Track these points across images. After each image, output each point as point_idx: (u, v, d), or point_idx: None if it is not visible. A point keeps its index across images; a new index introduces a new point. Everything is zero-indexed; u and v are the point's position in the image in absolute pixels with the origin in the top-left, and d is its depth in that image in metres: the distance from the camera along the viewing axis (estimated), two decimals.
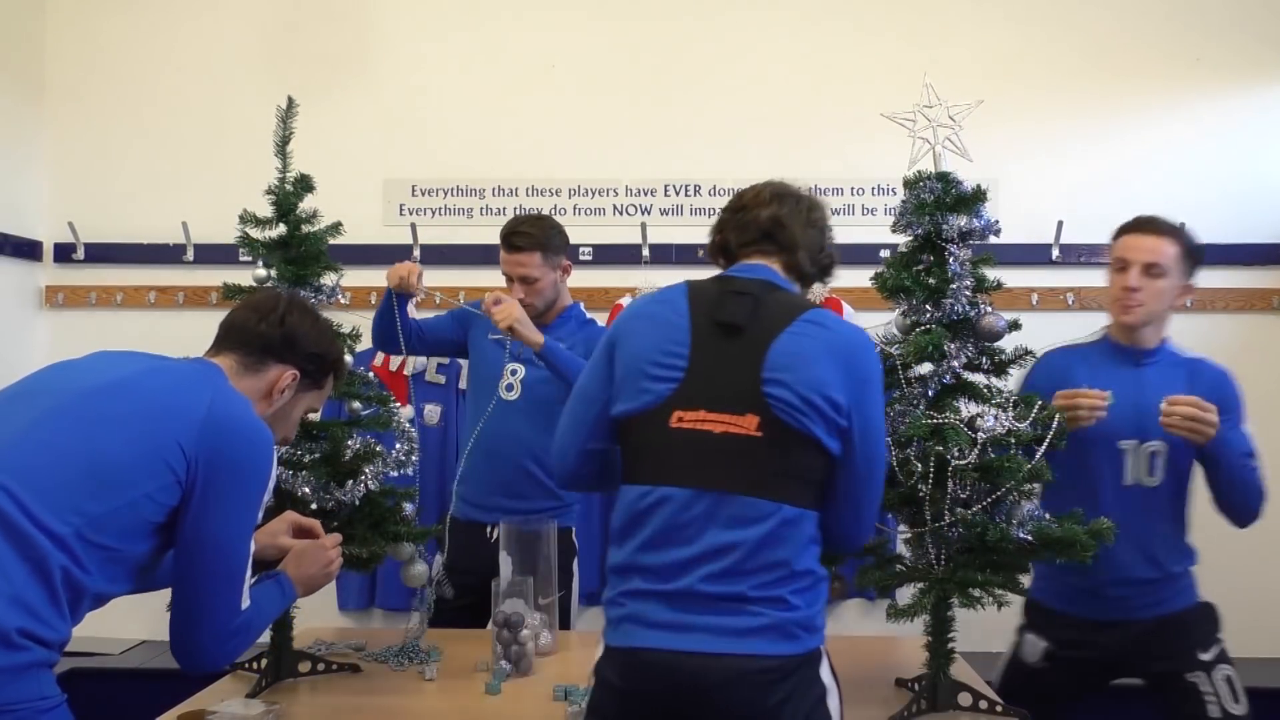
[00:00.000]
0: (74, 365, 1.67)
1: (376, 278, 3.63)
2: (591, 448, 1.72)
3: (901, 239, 2.11)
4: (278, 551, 1.88)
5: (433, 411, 3.61)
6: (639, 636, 1.54)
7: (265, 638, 2.16)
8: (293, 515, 1.94)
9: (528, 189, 3.75)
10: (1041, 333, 2.21)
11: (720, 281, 1.71)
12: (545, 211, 3.68)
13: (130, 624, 3.50)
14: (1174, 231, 2.30)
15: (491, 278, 3.68)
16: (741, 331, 1.61)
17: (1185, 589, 2.32)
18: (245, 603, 1.62)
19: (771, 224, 1.74)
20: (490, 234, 3.70)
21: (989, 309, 2.01)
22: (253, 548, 1.62)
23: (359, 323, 2.31)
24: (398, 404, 2.37)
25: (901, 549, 2.11)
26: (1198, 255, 2.32)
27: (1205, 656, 2.24)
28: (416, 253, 3.68)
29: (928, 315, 2.00)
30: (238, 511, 1.58)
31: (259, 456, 1.61)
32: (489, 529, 2.71)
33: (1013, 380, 2.09)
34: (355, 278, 3.27)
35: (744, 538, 1.52)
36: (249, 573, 1.62)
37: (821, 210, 1.81)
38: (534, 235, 2.72)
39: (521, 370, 2.74)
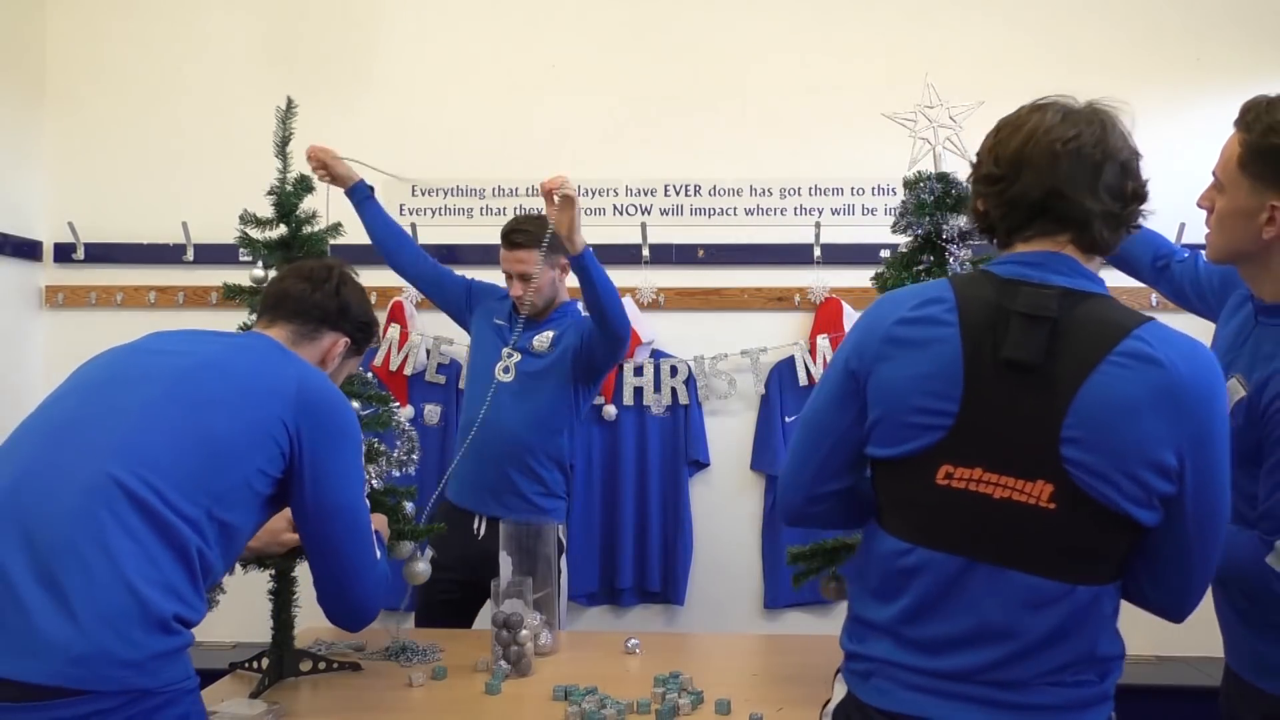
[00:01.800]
0: (156, 347, 1.68)
1: (377, 278, 3.63)
2: (822, 490, 1.44)
3: (901, 239, 2.11)
4: (280, 548, 1.93)
5: (433, 411, 3.61)
6: (899, 700, 1.33)
7: (266, 637, 2.17)
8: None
9: (528, 189, 3.75)
10: None
11: (1002, 289, 1.32)
12: (545, 211, 3.69)
13: None
14: (1240, 120, 1.60)
15: (492, 277, 3.68)
16: (1035, 369, 1.26)
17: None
18: (378, 553, 1.73)
19: (1045, 198, 1.33)
20: (490, 234, 3.71)
21: None
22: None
23: None
24: (397, 404, 2.38)
25: None
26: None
27: None
28: None
29: None
30: (350, 473, 1.68)
31: (351, 419, 1.71)
32: (476, 521, 2.73)
33: None
34: None
35: (1028, 624, 1.28)
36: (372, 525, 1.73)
37: (1112, 138, 1.39)
38: (533, 233, 2.77)
39: (518, 355, 2.81)
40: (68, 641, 1.35)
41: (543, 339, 2.83)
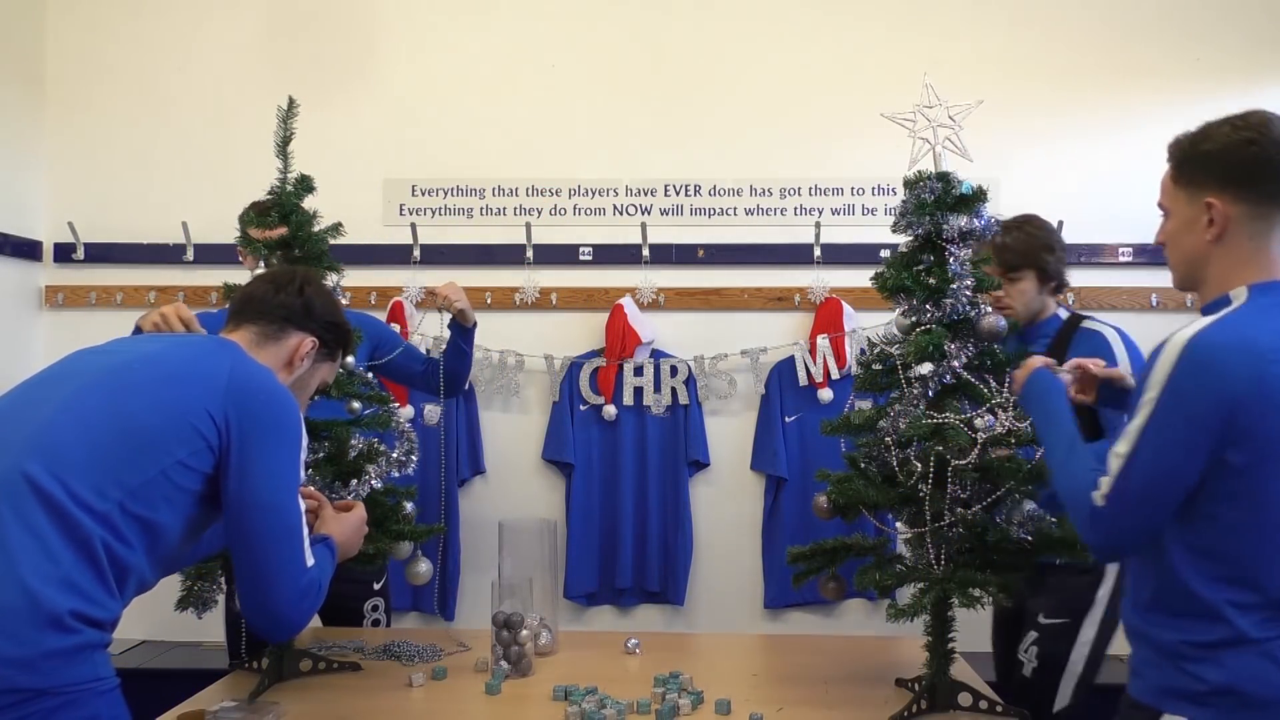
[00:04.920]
0: (96, 349, 1.69)
1: (377, 278, 3.66)
2: None
3: (901, 239, 2.11)
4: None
5: (432, 412, 3.60)
6: None
7: None
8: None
9: (528, 189, 3.75)
10: None
11: None
12: (545, 212, 3.71)
13: (130, 624, 3.49)
14: (1168, 154, 1.63)
15: (491, 278, 3.69)
16: None
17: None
18: (310, 560, 1.62)
19: None
20: (490, 234, 3.73)
21: (989, 309, 2.02)
22: (303, 506, 1.63)
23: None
24: (397, 404, 2.38)
25: (901, 549, 2.11)
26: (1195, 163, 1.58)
27: None
28: (416, 253, 3.68)
29: (928, 315, 2.00)
30: (280, 469, 1.59)
31: (288, 413, 1.62)
32: None
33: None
34: (355, 278, 3.27)
35: None
36: (306, 531, 1.63)
37: None
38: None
39: None
40: None
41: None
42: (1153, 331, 2.20)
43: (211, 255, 3.67)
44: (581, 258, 3.68)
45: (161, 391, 1.55)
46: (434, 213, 3.76)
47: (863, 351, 3.11)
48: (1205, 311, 1.55)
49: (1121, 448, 1.45)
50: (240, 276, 2.33)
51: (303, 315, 1.77)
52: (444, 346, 3.10)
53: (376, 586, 2.74)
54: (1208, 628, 1.41)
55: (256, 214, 2.29)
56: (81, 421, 1.50)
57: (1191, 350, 1.41)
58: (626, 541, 3.61)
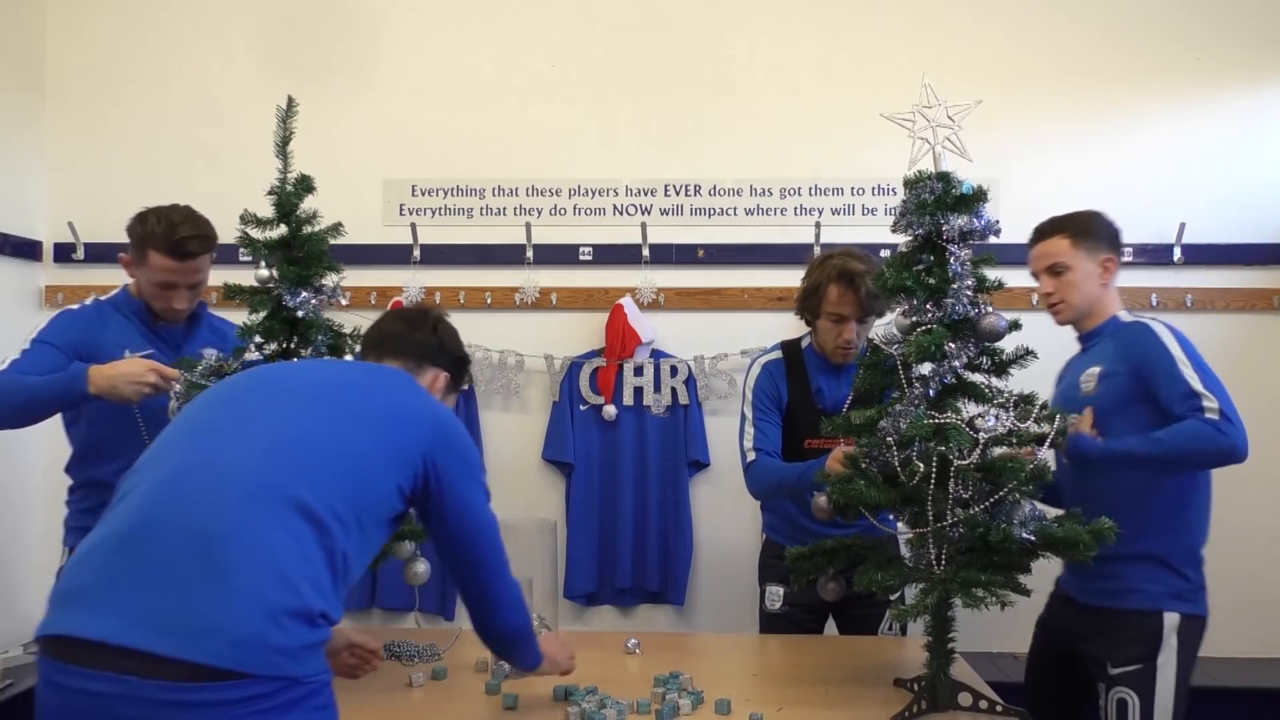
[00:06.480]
0: (282, 368, 1.87)
1: (377, 278, 3.66)
2: None
3: (902, 239, 2.11)
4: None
5: None
6: None
7: None
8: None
9: (528, 189, 3.75)
10: (1041, 333, 2.21)
11: None
12: (545, 212, 3.71)
13: None
14: (1054, 229, 2.41)
15: (491, 278, 3.69)
16: None
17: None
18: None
19: None
20: (490, 234, 3.73)
21: (989, 309, 2.02)
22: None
23: (359, 323, 2.31)
24: None
25: (902, 549, 2.11)
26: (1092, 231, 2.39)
27: (1114, 670, 2.23)
28: (416, 253, 3.68)
29: (928, 315, 2.00)
30: (483, 493, 1.81)
31: (474, 447, 1.84)
32: None
33: (1013, 380, 2.08)
34: (355, 278, 3.28)
35: None
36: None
37: None
38: (208, 238, 2.51)
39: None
40: (228, 624, 1.40)
41: (210, 352, 2.42)
42: None
43: None
44: (581, 258, 3.68)
45: (380, 425, 1.68)
46: (434, 213, 3.76)
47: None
48: (1093, 334, 2.37)
49: (1198, 384, 2.12)
50: (241, 276, 2.34)
51: (437, 352, 1.94)
52: None
53: None
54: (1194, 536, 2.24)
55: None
56: (319, 443, 1.61)
57: (1172, 329, 2.26)
58: (626, 542, 3.61)
